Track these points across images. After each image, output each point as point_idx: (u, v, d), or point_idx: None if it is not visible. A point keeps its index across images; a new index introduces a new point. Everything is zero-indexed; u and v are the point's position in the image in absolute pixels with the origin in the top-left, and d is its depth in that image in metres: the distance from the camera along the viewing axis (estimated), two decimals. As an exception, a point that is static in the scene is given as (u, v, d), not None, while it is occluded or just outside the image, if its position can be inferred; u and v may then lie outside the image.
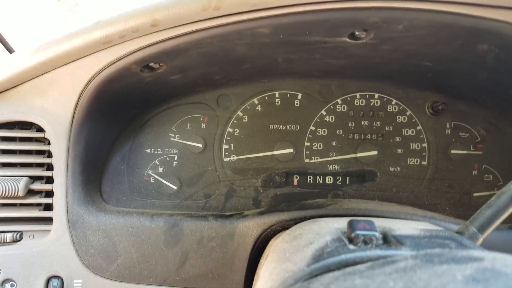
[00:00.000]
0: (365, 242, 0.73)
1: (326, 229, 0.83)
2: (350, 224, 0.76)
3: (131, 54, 0.98)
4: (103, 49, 0.99)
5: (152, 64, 1.04)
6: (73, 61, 1.03)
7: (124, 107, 1.24)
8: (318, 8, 0.85)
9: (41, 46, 0.99)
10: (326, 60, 1.13)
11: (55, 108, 1.08)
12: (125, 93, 1.16)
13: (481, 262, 0.51)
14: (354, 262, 0.63)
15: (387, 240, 0.74)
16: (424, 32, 0.94)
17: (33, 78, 1.05)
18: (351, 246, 0.71)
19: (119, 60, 1.00)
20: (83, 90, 1.06)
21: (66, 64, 1.04)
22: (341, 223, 0.87)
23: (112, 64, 1.01)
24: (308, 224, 0.94)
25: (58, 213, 1.09)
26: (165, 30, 0.92)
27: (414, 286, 0.45)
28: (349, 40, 0.99)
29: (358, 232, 0.73)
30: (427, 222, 0.97)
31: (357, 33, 0.95)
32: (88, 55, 1.01)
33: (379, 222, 0.84)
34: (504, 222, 0.91)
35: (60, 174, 1.09)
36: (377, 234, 0.73)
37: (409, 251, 0.67)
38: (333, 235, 0.77)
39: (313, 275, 0.61)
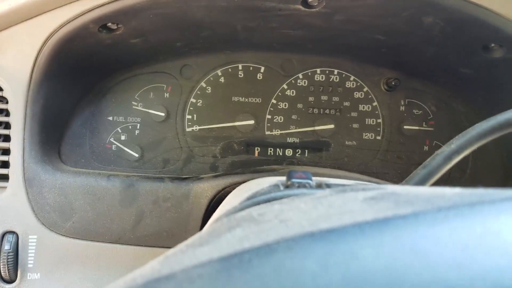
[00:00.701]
0: (299, 188, 0.77)
1: (268, 181, 0.87)
2: (288, 173, 0.80)
3: (88, 12, 1.00)
4: (60, 6, 1.00)
5: (109, 24, 1.06)
6: (30, 18, 1.04)
7: (85, 71, 1.25)
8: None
9: (-4, -1, 0.99)
10: (284, 30, 1.17)
11: (13, 66, 1.09)
12: (85, 56, 1.17)
13: (385, 190, 0.56)
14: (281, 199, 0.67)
15: (320, 187, 0.79)
16: (374, 2, 0.99)
17: (-12, 34, 1.05)
18: (284, 189, 0.75)
19: (76, 18, 1.01)
20: (41, 49, 1.07)
21: (23, 21, 1.04)
22: (284, 179, 0.91)
23: (69, 22, 1.02)
24: (254, 180, 0.98)
25: (15, 171, 1.10)
26: (120, -12, 0.94)
27: (319, 206, 0.49)
28: (303, 8, 1.03)
29: (294, 180, 0.77)
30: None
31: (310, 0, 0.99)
32: (45, 12, 1.02)
33: (317, 178, 0.89)
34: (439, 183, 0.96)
35: (17, 132, 1.10)
36: (311, 182, 0.77)
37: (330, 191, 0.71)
38: (271, 183, 0.81)
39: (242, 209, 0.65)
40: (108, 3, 0.97)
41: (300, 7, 1.02)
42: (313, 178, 0.81)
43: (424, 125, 1.41)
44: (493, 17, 0.98)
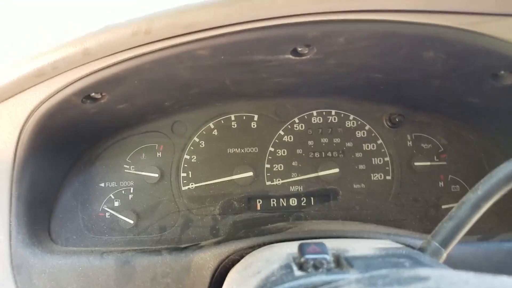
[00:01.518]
0: (316, 267, 0.68)
1: (277, 256, 0.78)
2: (300, 248, 0.72)
3: (68, 86, 0.94)
4: (38, 83, 0.95)
5: (93, 94, 1.00)
6: (10, 97, 0.99)
7: (71, 142, 1.19)
8: (253, 27, 0.83)
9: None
10: (275, 79, 1.11)
11: (-5, 146, 1.03)
12: (70, 127, 1.11)
13: (426, 282, 0.47)
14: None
15: (339, 262, 0.70)
16: (367, 43, 0.93)
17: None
18: (298, 273, 0.66)
19: (56, 93, 0.96)
20: (23, 127, 1.01)
21: (3, 101, 1.00)
22: (295, 248, 0.83)
23: (50, 98, 0.97)
24: (261, 251, 0.89)
25: (1, 258, 1.01)
26: (99, 60, 0.88)
27: None
28: (293, 57, 0.97)
29: (307, 256, 0.69)
30: (389, 240, 0.93)
31: (300, 49, 0.94)
32: (24, 90, 0.97)
33: (336, 243, 0.80)
34: (472, 233, 0.87)
35: (2, 215, 1.02)
36: (328, 257, 0.69)
37: (357, 274, 0.62)
38: (282, 261, 0.73)
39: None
40: (90, 74, 0.92)
41: (290, 56, 0.96)
42: (328, 247, 0.73)
43: (435, 160, 1.33)
44: (500, 45, 0.90)
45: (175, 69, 0.96)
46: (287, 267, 0.70)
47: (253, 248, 0.98)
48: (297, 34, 0.87)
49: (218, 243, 1.03)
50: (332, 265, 0.69)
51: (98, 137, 1.27)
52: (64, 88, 0.95)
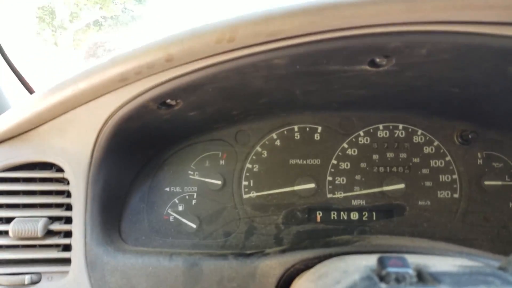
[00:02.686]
0: (398, 280, 0.66)
1: (354, 267, 0.76)
2: (380, 260, 0.70)
3: (147, 91, 0.98)
4: (120, 87, 1.00)
5: (169, 101, 1.04)
6: (91, 100, 1.04)
7: (143, 146, 1.24)
8: (335, 36, 0.83)
9: (59, 85, 1.00)
10: (346, 90, 1.11)
11: (74, 147, 1.09)
12: (143, 131, 1.16)
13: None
14: (387, 303, 0.56)
15: (422, 277, 0.68)
16: (450, 56, 0.90)
17: (52, 119, 1.06)
18: (383, 285, 0.64)
19: (136, 97, 1.00)
20: (101, 129, 1.06)
21: (84, 103, 1.05)
22: (370, 260, 0.81)
23: (129, 102, 1.01)
24: (334, 261, 0.87)
25: (77, 254, 1.06)
26: (180, 66, 0.92)
27: None
28: (369, 68, 0.96)
29: (389, 269, 0.67)
30: (464, 258, 0.89)
31: (378, 60, 0.93)
32: (106, 93, 1.02)
33: (412, 259, 0.77)
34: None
35: (78, 214, 1.08)
36: (410, 271, 0.67)
37: (448, 290, 0.60)
38: (362, 273, 0.71)
39: (341, 318, 0.55)
40: (168, 81, 0.95)
41: (367, 67, 0.96)
42: (409, 261, 0.71)
43: (507, 179, 1.26)
44: None
45: (250, 77, 0.98)
46: (369, 278, 0.68)
47: (319, 258, 0.97)
48: (377, 44, 0.87)
49: (283, 251, 1.03)
50: (415, 279, 0.67)
51: (167, 142, 1.32)
52: (144, 93, 0.99)
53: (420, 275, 0.69)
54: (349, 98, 1.18)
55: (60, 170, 1.10)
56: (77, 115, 1.07)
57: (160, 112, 1.08)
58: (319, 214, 1.31)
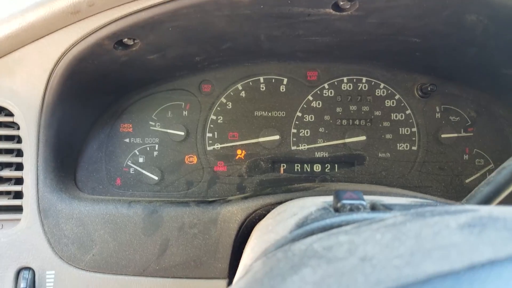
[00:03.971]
0: (352, 211, 0.67)
1: (312, 202, 0.77)
2: (336, 194, 0.71)
3: (102, 27, 0.93)
4: (72, 23, 0.93)
5: (126, 40, 0.99)
6: (41, 37, 0.97)
7: (100, 91, 1.18)
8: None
9: (4, 19, 0.92)
10: (311, 37, 1.09)
11: (24, 90, 1.02)
12: (99, 74, 1.10)
13: (476, 212, 0.46)
14: (340, 226, 0.57)
15: (376, 208, 0.69)
16: (411, 2, 0.90)
17: (-1, 58, 0.99)
18: (337, 214, 0.66)
19: (90, 34, 0.94)
20: (53, 69, 1.00)
21: (33, 41, 0.98)
22: (328, 199, 0.82)
23: (83, 39, 0.95)
24: (293, 201, 0.88)
25: (29, 201, 1.02)
26: (136, 0, 0.86)
27: (403, 236, 0.40)
28: (334, 12, 0.95)
29: (344, 201, 0.68)
30: (417, 198, 0.93)
31: (342, 3, 0.91)
32: (57, 29, 0.95)
33: (369, 197, 0.79)
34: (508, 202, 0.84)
35: (30, 160, 1.03)
36: (364, 203, 0.68)
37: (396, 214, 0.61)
38: (318, 206, 0.72)
39: (296, 240, 0.56)
40: (125, 16, 0.90)
41: (331, 11, 0.94)
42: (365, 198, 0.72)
43: (462, 132, 1.31)
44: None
45: (212, 17, 0.94)
46: (325, 209, 0.69)
47: (280, 203, 0.98)
48: (341, -16, 0.85)
49: (245, 198, 1.03)
50: (368, 210, 0.69)
51: (126, 90, 1.27)
52: (98, 30, 0.93)
53: (374, 207, 0.71)
54: (314, 46, 1.17)
55: (9, 114, 1.03)
56: (26, 53, 1.00)
57: (117, 53, 1.02)
58: (283, 166, 1.32)
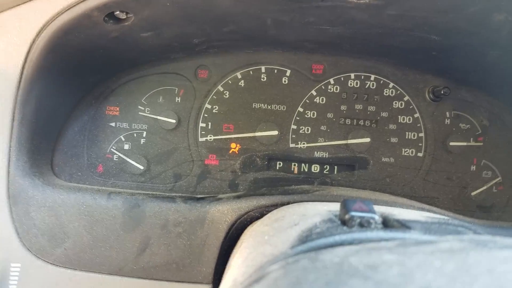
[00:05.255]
0: (362, 225, 0.58)
1: (314, 211, 0.68)
2: (344, 204, 0.62)
3: (92, -4, 0.82)
4: (58, -11, 0.83)
5: (117, 13, 0.88)
6: (23, 3, 0.87)
7: (86, 69, 1.08)
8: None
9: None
10: (322, 26, 1.00)
11: (1, 61, 0.92)
12: (86, 50, 0.99)
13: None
14: (352, 245, 0.48)
15: (389, 224, 0.60)
16: (436, -7, 0.81)
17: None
18: (346, 228, 0.57)
19: (77, 4, 0.84)
20: (34, 40, 0.90)
21: (13, 6, 0.88)
22: (332, 206, 0.73)
23: (69, 8, 0.85)
24: (292, 206, 0.80)
25: None
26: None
27: (472, 269, 0.31)
28: (350, -1, 0.85)
29: (353, 213, 0.59)
30: (428, 212, 0.84)
31: (361, -11, 0.82)
32: (41, -5, 0.85)
33: (376, 208, 0.71)
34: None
35: (2, 139, 0.92)
36: (376, 216, 0.59)
37: (422, 235, 0.53)
38: (323, 216, 0.63)
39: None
40: (117, -15, 0.80)
41: (348, -4, 0.85)
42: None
43: (471, 141, 1.23)
44: None
45: (215, -6, 0.85)
46: (331, 221, 0.60)
47: (275, 206, 0.89)
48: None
49: (238, 197, 0.94)
50: (380, 225, 0.60)
51: (114, 70, 1.16)
52: None
53: (386, 222, 0.62)
54: (324, 37, 1.07)
55: (-18, 86, 0.93)
56: (5, 20, 0.90)
57: (107, 27, 0.92)
58: (279, 164, 1.23)
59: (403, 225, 0.58)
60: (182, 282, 0.92)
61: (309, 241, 0.50)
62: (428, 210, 0.88)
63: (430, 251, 0.36)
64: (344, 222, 0.59)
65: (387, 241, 0.43)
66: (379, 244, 0.40)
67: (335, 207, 0.70)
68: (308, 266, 0.36)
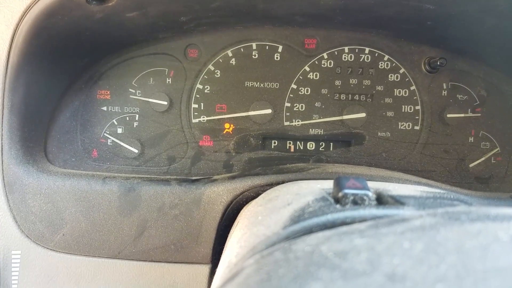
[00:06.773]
0: (355, 203, 0.58)
1: (308, 190, 0.68)
2: (337, 181, 0.62)
3: (72, -24, 0.79)
4: (37, -30, 0.80)
5: (100, -7, 0.85)
6: (3, -14, 0.84)
7: (73, 53, 1.05)
8: None
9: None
10: (312, -2, 0.97)
11: (-15, 47, 0.89)
12: (71, 33, 0.97)
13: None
14: (344, 223, 0.48)
15: (383, 201, 0.60)
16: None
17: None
18: (339, 206, 0.56)
19: (58, -15, 0.81)
20: (17, 25, 0.88)
21: (-7, -9, 0.85)
22: (326, 184, 0.73)
23: (50, -10, 0.82)
24: (286, 186, 0.79)
25: None
26: None
27: (440, 248, 0.31)
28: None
29: (346, 190, 0.58)
30: (424, 186, 0.84)
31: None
32: (20, -22, 0.82)
33: (370, 184, 0.70)
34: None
35: None
36: (370, 193, 0.59)
37: (414, 211, 0.52)
38: (316, 195, 0.63)
39: (291, 238, 0.47)
40: (97, -37, 0.77)
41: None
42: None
43: (469, 112, 1.21)
44: None
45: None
46: (323, 199, 0.60)
47: (270, 186, 0.89)
48: None
49: (232, 177, 0.93)
50: (374, 202, 0.60)
51: (102, 52, 1.13)
52: (68, -20, 0.81)
53: (380, 199, 0.61)
54: (315, 9, 1.04)
55: (-32, 75, 0.91)
56: (-15, 6, 0.87)
57: (91, 8, 0.89)
58: (274, 143, 1.22)
59: (397, 201, 0.58)
60: (181, 263, 0.93)
61: (301, 221, 0.50)
62: (425, 184, 0.88)
63: (401, 231, 0.35)
64: (337, 200, 0.59)
65: (360, 222, 0.42)
66: (351, 227, 0.40)
67: (329, 185, 0.69)
68: (280, 258, 0.36)
